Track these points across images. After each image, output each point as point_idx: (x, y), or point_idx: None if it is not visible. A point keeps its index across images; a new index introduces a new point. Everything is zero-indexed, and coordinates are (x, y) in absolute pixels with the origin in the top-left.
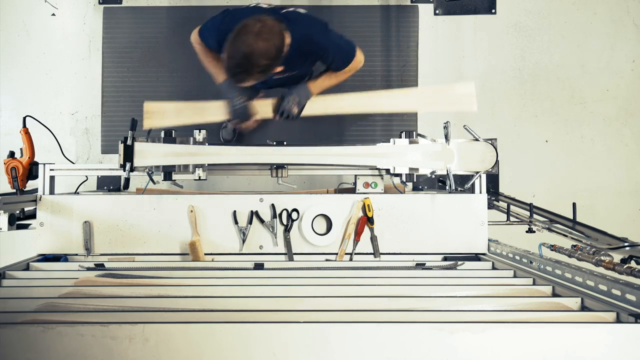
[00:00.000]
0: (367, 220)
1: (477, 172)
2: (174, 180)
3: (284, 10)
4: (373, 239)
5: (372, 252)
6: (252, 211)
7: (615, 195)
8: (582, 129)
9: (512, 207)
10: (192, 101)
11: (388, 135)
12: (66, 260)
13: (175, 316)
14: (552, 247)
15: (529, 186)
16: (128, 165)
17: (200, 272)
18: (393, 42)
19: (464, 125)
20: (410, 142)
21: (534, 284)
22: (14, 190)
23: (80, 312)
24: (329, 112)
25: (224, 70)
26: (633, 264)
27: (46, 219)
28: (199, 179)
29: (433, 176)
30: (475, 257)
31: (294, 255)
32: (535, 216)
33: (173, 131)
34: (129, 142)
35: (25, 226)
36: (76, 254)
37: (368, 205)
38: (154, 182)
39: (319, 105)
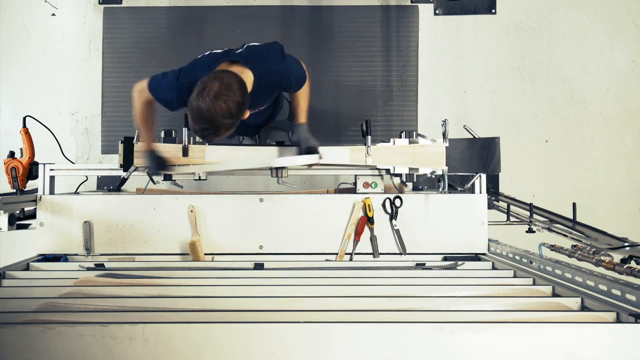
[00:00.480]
0: (367, 220)
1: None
2: (174, 180)
3: (239, 50)
4: (372, 239)
5: (372, 252)
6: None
7: (615, 195)
8: (582, 129)
9: (512, 207)
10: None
11: (388, 135)
12: (66, 260)
13: (175, 316)
14: (552, 247)
15: (529, 186)
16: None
17: (200, 272)
18: (393, 42)
19: (464, 126)
20: (410, 142)
21: (534, 284)
22: (14, 190)
23: (80, 312)
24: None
25: (196, 135)
26: (633, 264)
27: (46, 219)
28: (199, 179)
29: (433, 176)
30: (475, 257)
31: (294, 255)
32: (535, 216)
33: (173, 131)
34: (135, 141)
35: (25, 226)
36: (76, 254)
37: (368, 205)
38: (154, 182)
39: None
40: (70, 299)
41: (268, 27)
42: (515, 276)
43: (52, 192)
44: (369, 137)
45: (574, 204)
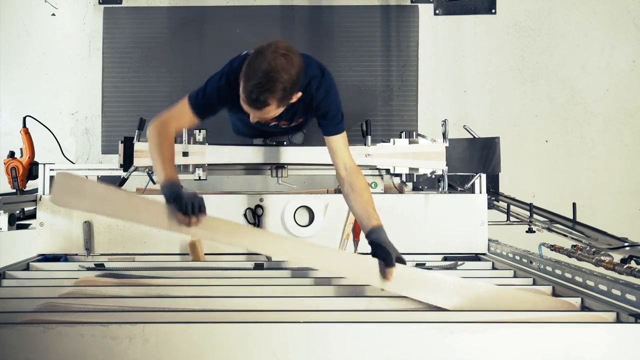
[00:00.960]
0: None
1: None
2: None
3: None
4: None
5: None
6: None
7: (615, 195)
8: (582, 129)
9: (512, 207)
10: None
11: (388, 135)
12: (66, 260)
13: (175, 316)
14: (552, 247)
15: (529, 186)
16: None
17: (200, 272)
18: (393, 42)
19: (464, 126)
20: (410, 142)
21: (534, 284)
22: (14, 190)
23: (80, 312)
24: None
25: (243, 98)
26: (633, 264)
27: (46, 219)
28: (199, 179)
29: (433, 176)
30: (475, 257)
31: None
32: (535, 216)
33: None
34: (135, 141)
35: (25, 226)
36: (76, 254)
37: None
38: (154, 182)
39: None
40: (70, 299)
41: (268, 27)
42: (515, 276)
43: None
44: (369, 137)
45: (574, 204)
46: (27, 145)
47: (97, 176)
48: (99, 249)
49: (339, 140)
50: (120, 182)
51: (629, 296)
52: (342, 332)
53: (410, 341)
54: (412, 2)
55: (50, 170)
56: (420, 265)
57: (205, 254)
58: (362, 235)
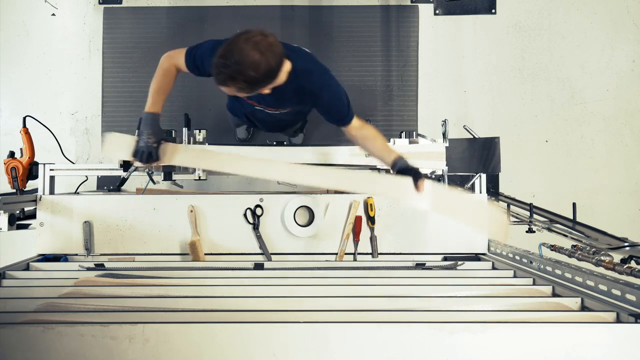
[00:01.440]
0: (368, 219)
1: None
2: (174, 180)
3: (290, 45)
4: (372, 239)
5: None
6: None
7: (615, 195)
8: (582, 129)
9: (512, 207)
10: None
11: (388, 135)
12: (66, 260)
13: (175, 316)
14: (552, 247)
15: (529, 186)
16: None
17: (200, 272)
18: (393, 42)
19: (464, 126)
20: (410, 142)
21: (534, 284)
22: (14, 190)
23: (80, 312)
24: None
25: (213, 67)
26: (633, 264)
27: (46, 219)
28: (199, 179)
29: (433, 176)
30: (475, 257)
31: (293, 255)
32: (535, 216)
33: (173, 131)
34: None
35: (25, 226)
36: (76, 254)
37: (371, 204)
38: (154, 182)
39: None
40: (70, 299)
41: (268, 27)
42: (515, 276)
43: (52, 192)
44: None
45: (574, 204)
46: (27, 145)
47: (97, 176)
48: (98, 249)
49: (353, 123)
50: (120, 182)
51: (629, 296)
52: (342, 332)
53: (410, 341)
54: (412, 2)
55: (50, 170)
56: (420, 265)
57: (205, 254)
58: (362, 235)
